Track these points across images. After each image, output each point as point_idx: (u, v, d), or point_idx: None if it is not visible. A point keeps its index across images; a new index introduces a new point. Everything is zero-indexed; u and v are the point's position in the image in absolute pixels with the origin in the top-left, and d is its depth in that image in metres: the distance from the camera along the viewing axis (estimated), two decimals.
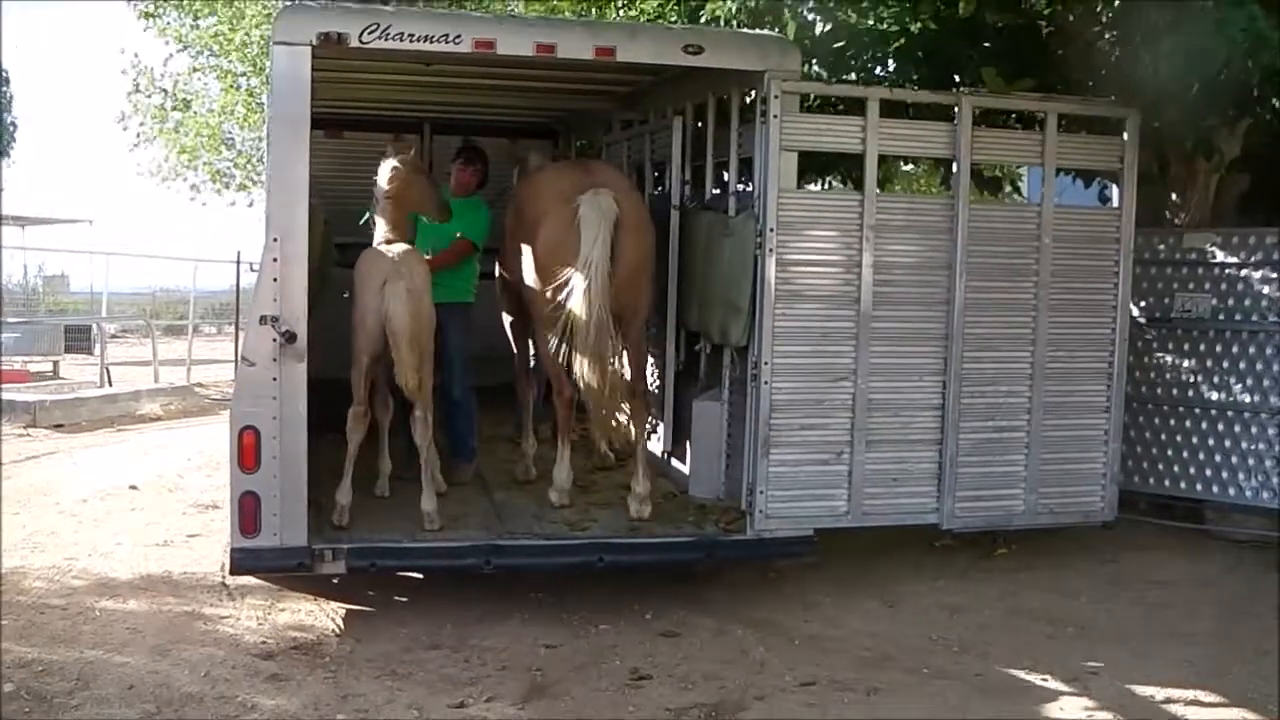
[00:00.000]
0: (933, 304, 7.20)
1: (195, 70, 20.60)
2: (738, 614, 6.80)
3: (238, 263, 9.55)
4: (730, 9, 8.83)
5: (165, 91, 20.68)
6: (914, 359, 7.20)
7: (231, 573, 6.61)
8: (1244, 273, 8.58)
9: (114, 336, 22.91)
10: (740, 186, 7.54)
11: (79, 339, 20.48)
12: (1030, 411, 7.41)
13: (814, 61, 8.57)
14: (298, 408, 6.31)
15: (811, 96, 8.10)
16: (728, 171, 7.74)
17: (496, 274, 8.19)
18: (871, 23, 8.70)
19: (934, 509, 7.27)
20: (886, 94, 7.28)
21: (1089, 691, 5.83)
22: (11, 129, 31.17)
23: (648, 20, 11.08)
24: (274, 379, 6.28)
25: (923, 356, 7.20)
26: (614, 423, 7.09)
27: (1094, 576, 7.70)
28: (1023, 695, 5.81)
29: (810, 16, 8.52)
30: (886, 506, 7.20)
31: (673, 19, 10.68)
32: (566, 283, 6.67)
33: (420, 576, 7.15)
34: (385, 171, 7.03)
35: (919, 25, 8.72)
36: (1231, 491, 8.59)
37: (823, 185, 10.67)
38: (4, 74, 31.19)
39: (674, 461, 8.25)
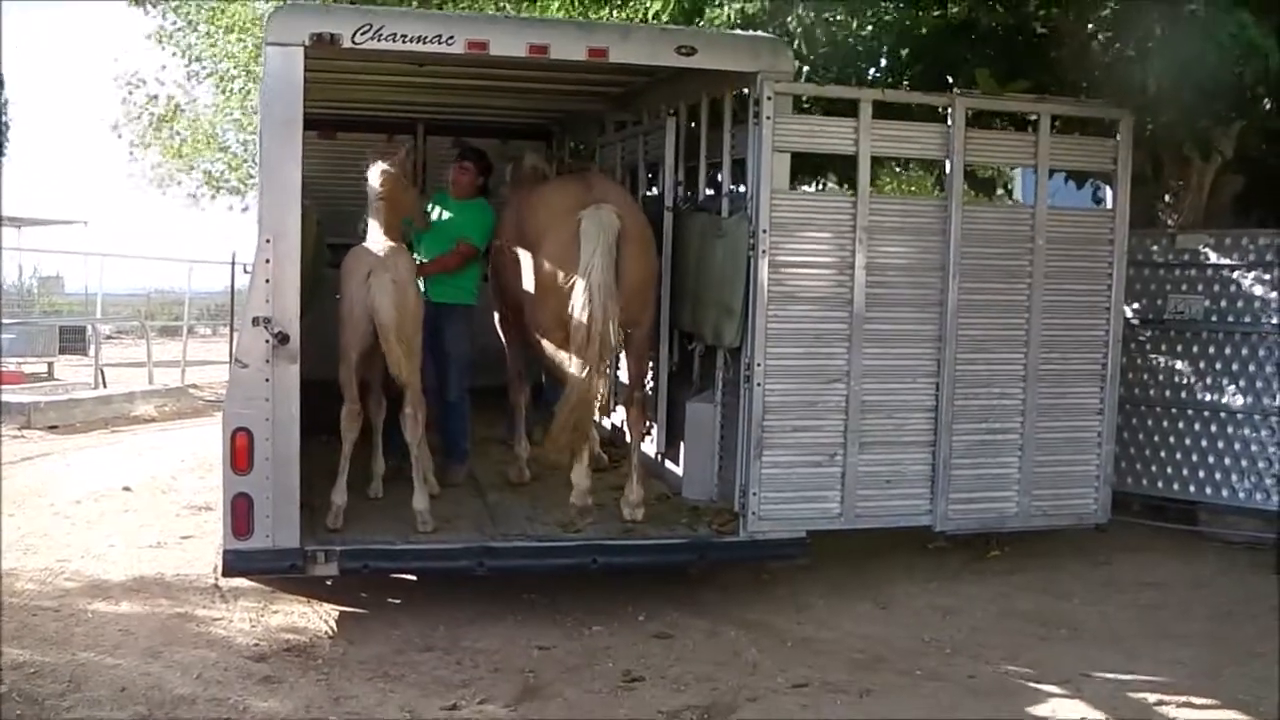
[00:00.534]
0: (926, 306, 7.20)
1: (191, 77, 20.66)
2: (730, 616, 6.80)
3: (233, 264, 9.56)
4: (728, 15, 8.81)
5: (155, 98, 20.67)
6: (907, 361, 7.20)
7: (224, 574, 6.63)
8: (1237, 274, 8.60)
9: (109, 338, 22.82)
10: (733, 188, 7.54)
11: (74, 340, 20.47)
12: (1023, 413, 7.42)
13: (810, 61, 8.55)
14: (290, 409, 6.30)
15: (804, 98, 8.09)
16: (721, 173, 7.74)
17: (489, 275, 8.18)
18: (856, 24, 8.67)
19: (927, 511, 7.27)
20: (879, 95, 7.27)
21: (1082, 693, 5.83)
22: (6, 130, 31.08)
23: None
24: (266, 380, 6.27)
25: (916, 358, 7.21)
26: (568, 435, 6.84)
27: (1087, 578, 7.70)
28: (1015, 697, 5.81)
29: (809, 19, 8.49)
30: (879, 508, 7.20)
31: (667, 21, 10.65)
32: (570, 299, 6.64)
33: (413, 578, 7.14)
34: (376, 175, 7.03)
35: (913, 26, 8.71)
36: (1225, 493, 8.61)
37: (817, 186, 10.66)
38: (0, 76, 31.13)
39: (667, 463, 8.25)
